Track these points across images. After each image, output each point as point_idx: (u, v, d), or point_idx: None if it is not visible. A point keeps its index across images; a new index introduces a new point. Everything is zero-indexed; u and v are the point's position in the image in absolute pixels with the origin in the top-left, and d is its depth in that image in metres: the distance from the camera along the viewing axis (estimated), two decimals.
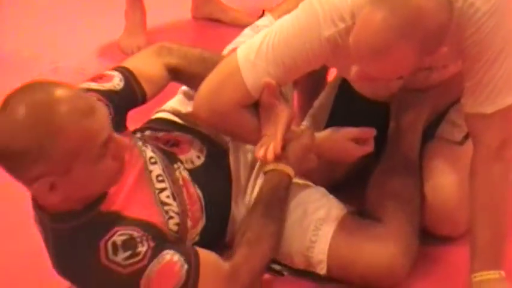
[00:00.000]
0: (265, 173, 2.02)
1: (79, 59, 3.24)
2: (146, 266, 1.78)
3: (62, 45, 3.34)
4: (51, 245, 1.86)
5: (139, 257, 1.78)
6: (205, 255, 1.87)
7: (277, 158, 1.97)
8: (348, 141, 2.10)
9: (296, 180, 2.06)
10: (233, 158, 2.15)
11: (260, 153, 1.97)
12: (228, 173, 2.13)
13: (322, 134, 2.12)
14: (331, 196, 2.12)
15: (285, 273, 2.07)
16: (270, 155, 1.96)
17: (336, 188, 2.18)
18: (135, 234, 1.79)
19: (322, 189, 2.14)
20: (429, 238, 2.14)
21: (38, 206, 1.83)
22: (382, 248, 2.00)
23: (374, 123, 2.15)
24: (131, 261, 1.78)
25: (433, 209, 2.11)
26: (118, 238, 1.78)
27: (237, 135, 2.10)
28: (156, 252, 1.80)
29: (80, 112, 1.70)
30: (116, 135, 1.80)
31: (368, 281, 2.00)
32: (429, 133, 2.20)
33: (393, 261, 1.99)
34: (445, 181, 2.11)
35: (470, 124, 1.95)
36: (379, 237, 2.01)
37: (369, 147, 2.11)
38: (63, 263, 1.86)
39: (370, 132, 2.11)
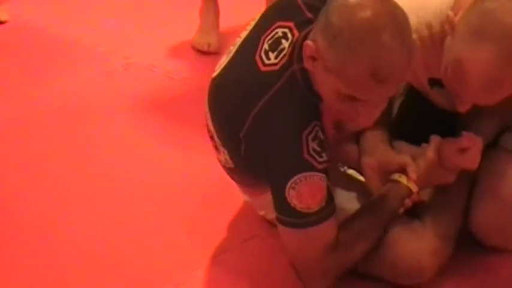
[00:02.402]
0: (389, 180, 2.04)
1: (150, 56, 3.27)
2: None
3: (135, 42, 3.38)
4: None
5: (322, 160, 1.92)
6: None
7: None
8: None
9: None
10: None
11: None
12: None
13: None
14: None
15: None
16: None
17: None
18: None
19: None
20: (476, 246, 2.10)
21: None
22: (411, 243, 1.99)
23: (439, 129, 2.12)
24: (320, 159, 1.92)
25: (484, 218, 2.07)
26: (317, 135, 1.91)
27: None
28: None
29: (400, 62, 1.80)
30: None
31: (395, 274, 2.00)
32: (491, 142, 2.14)
33: (420, 258, 1.99)
34: (499, 191, 2.06)
35: None
36: (412, 232, 2.01)
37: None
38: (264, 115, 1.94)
39: None
